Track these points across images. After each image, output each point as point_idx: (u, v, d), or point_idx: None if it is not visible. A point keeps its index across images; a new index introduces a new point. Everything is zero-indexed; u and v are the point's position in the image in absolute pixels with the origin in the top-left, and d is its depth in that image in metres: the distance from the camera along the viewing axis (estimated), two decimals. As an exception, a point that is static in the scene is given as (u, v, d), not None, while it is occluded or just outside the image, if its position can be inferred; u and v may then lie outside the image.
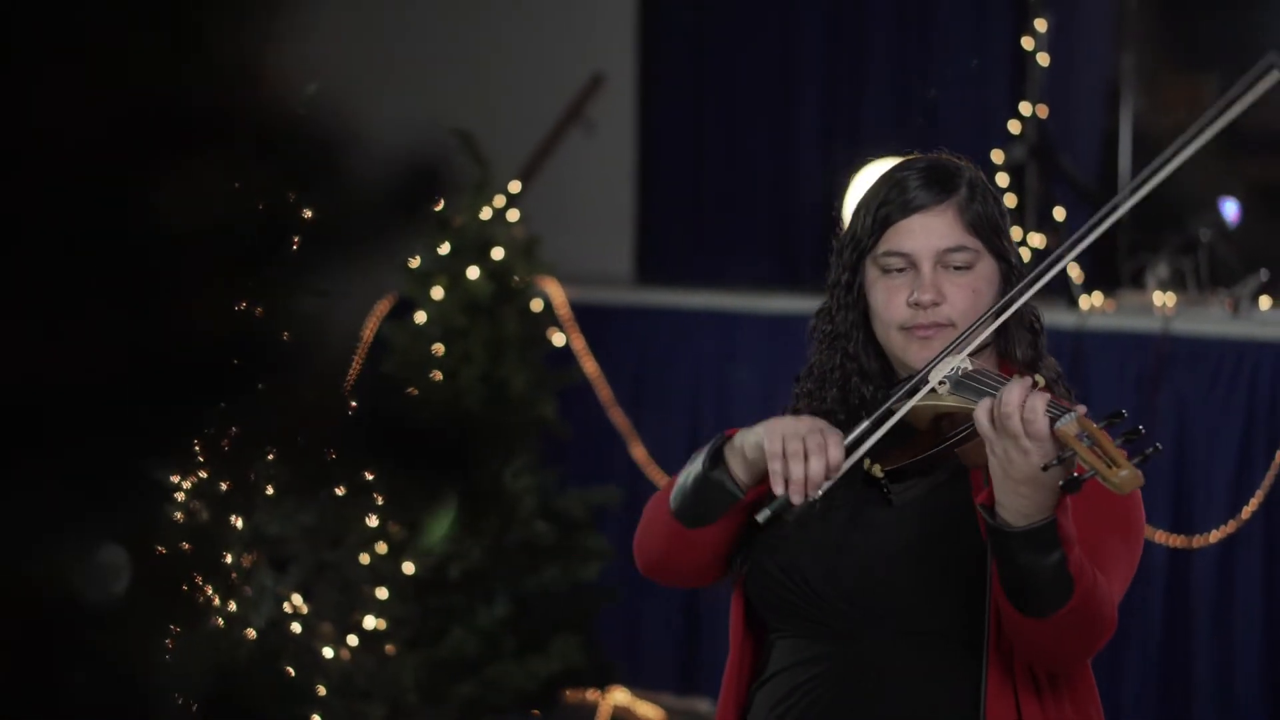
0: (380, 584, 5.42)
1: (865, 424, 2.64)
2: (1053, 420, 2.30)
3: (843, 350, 2.80)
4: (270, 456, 1.17)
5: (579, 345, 7.41)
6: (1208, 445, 5.96)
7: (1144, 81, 7.49)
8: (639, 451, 7.28)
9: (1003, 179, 6.99)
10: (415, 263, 6.58)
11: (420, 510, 1.20)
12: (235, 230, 1.11)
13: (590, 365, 7.40)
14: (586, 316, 7.56)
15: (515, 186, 6.85)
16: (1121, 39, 7.44)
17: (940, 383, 2.53)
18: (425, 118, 7.72)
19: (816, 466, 2.53)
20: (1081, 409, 2.33)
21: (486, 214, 6.58)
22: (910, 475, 2.59)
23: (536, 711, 6.47)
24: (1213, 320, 6.22)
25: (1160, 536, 5.93)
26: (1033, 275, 2.70)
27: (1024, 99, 7.03)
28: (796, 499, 2.55)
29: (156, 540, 1.14)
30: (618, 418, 7.36)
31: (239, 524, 5.04)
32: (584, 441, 7.43)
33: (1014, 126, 7.04)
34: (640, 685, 7.16)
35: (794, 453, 2.54)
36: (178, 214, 1.06)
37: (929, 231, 2.69)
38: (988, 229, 2.72)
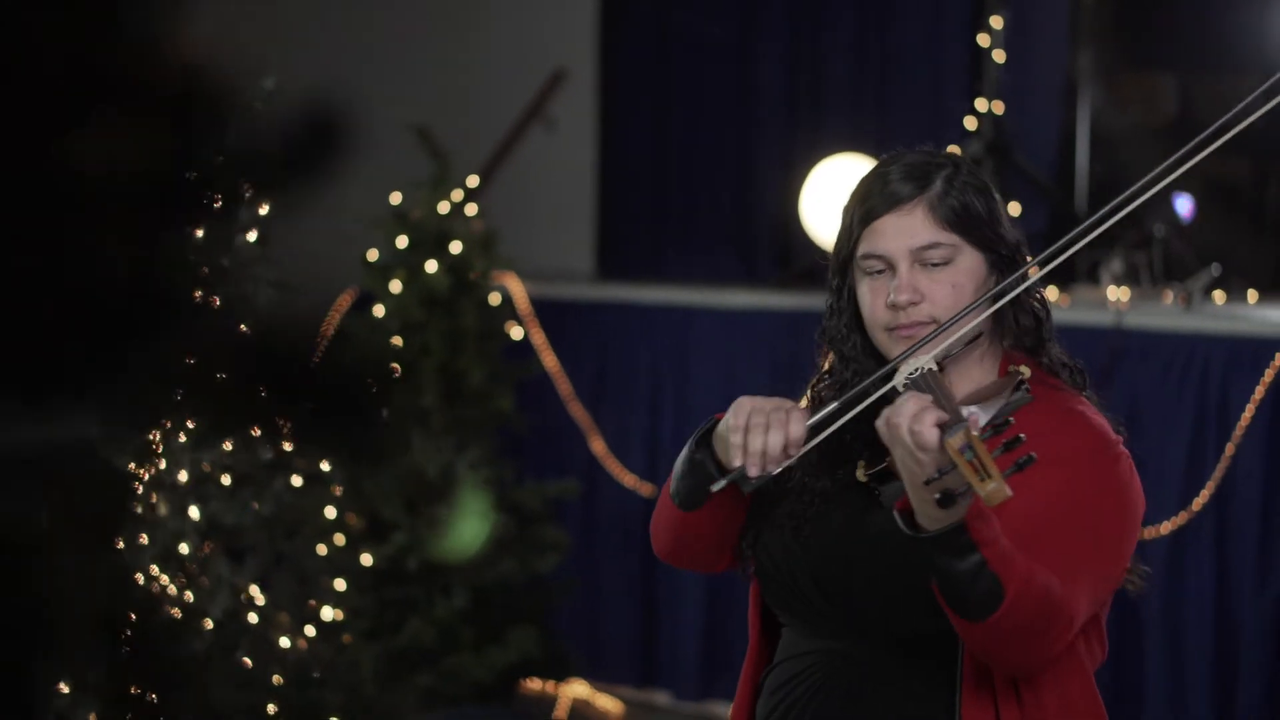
0: (338, 575, 5.43)
1: (830, 408, 2.66)
2: (944, 431, 2.28)
3: (840, 353, 2.81)
4: (180, 399, 1.20)
5: (539, 340, 7.44)
6: (1159, 438, 6.00)
7: (1101, 78, 7.53)
8: (598, 445, 7.31)
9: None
10: (374, 256, 6.62)
11: (324, 451, 1.24)
12: (143, 180, 1.14)
13: (550, 360, 7.43)
14: (547, 311, 7.59)
15: (473, 181, 6.87)
16: (1078, 36, 7.49)
17: (904, 383, 2.53)
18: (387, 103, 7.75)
19: (775, 440, 2.54)
20: (976, 419, 2.31)
21: (445, 208, 6.61)
22: (896, 476, 2.59)
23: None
24: (1165, 314, 6.26)
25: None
26: (1018, 275, 2.68)
27: (980, 95, 7.06)
28: (753, 470, 2.56)
29: (71, 476, 1.17)
30: (577, 412, 7.39)
31: (194, 513, 5.07)
32: (543, 435, 7.45)
33: (970, 123, 7.07)
34: (599, 678, 7.18)
35: (755, 425, 2.55)
36: (89, 165, 1.10)
37: (901, 230, 2.66)
38: (967, 222, 2.66)
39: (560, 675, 6.88)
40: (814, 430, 2.64)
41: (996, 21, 7.02)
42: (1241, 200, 7.63)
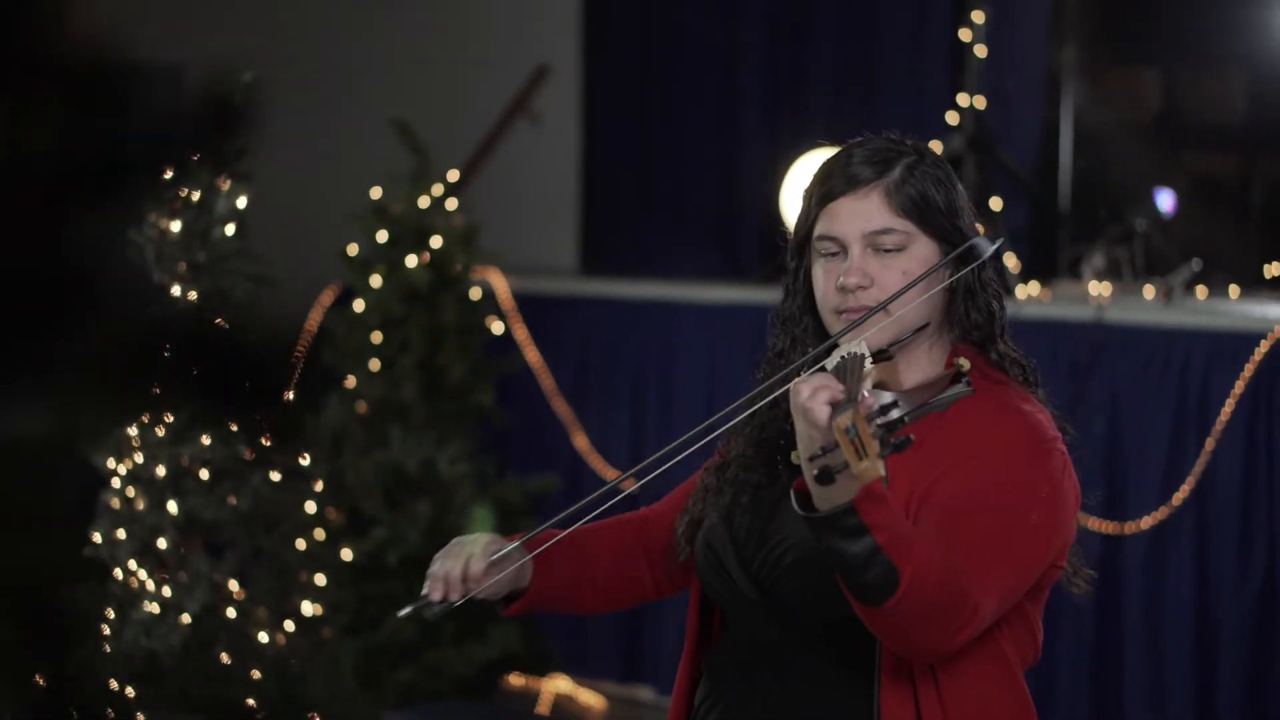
0: (318, 570, 5.43)
1: (760, 388, 2.68)
2: (835, 410, 2.28)
3: (792, 334, 2.82)
4: (86, 383, 1.20)
5: (522, 335, 7.44)
6: (1139, 433, 6.00)
7: (1084, 74, 7.54)
8: (581, 441, 7.30)
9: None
10: (354, 250, 6.62)
11: (226, 427, 1.24)
12: (41, 160, 1.14)
13: (533, 355, 7.42)
14: (530, 306, 7.59)
15: (454, 175, 6.87)
16: (1061, 32, 7.49)
17: (833, 366, 2.55)
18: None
19: (455, 568, 2.69)
20: (868, 402, 2.32)
21: (425, 203, 6.61)
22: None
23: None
24: (1146, 309, 6.26)
25: (1093, 523, 5.97)
26: (931, 269, 2.69)
27: (962, 90, 7.06)
28: (435, 595, 2.72)
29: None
30: (560, 407, 7.39)
31: (173, 508, 5.07)
32: (526, 431, 7.45)
33: (952, 118, 7.07)
34: (582, 673, 7.19)
35: (441, 555, 2.74)
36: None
37: (856, 214, 2.67)
38: (923, 210, 2.67)
39: (542, 671, 6.88)
40: (746, 405, 2.68)
41: (978, 16, 7.01)
42: (1224, 195, 7.63)
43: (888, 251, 2.68)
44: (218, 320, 1.26)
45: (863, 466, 2.20)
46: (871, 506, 2.34)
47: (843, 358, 2.55)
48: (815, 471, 2.29)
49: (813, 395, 2.33)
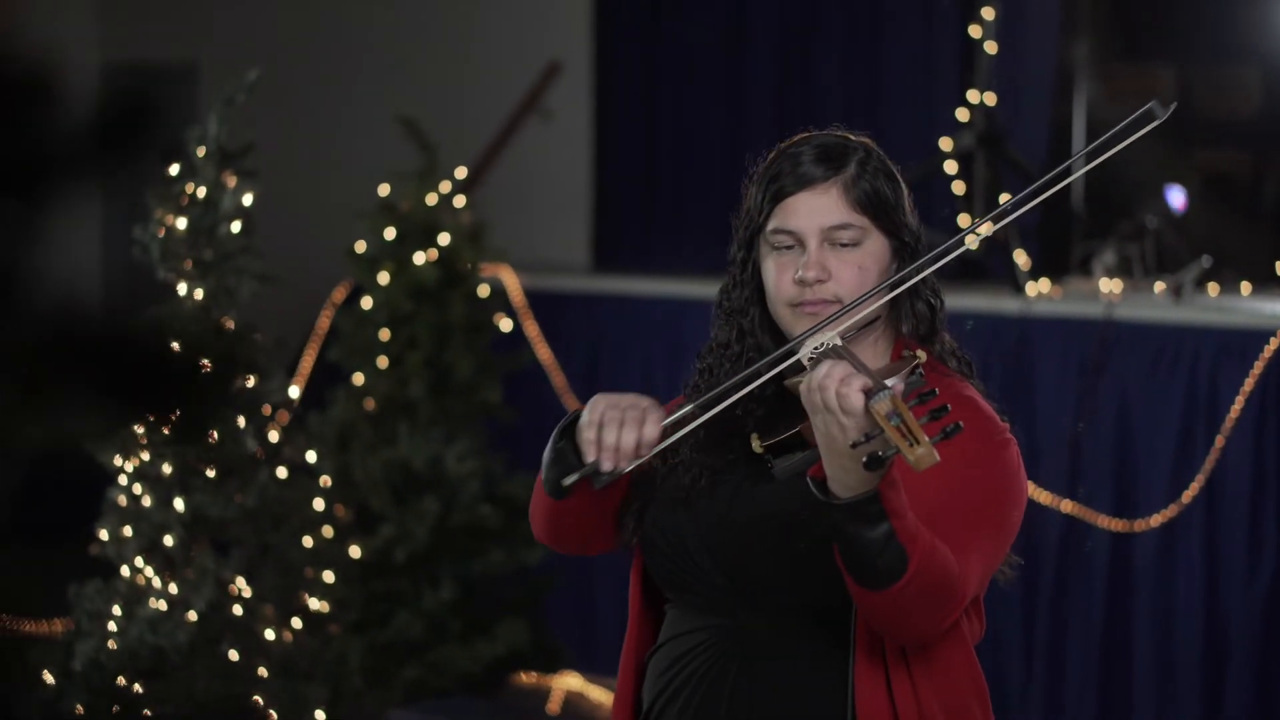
0: (326, 567, 5.43)
1: (732, 381, 2.68)
2: (868, 397, 2.31)
3: (739, 326, 2.83)
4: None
5: (533, 332, 7.45)
6: (1149, 430, 6.00)
7: (1097, 70, 7.52)
8: (592, 437, 7.29)
9: (951, 166, 7.03)
10: (361, 248, 6.63)
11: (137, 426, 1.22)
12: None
13: (544, 352, 7.43)
14: (541, 303, 7.59)
15: (461, 172, 6.87)
16: (1072, 28, 7.48)
17: (810, 356, 2.57)
18: (398, 111, 7.75)
19: (629, 437, 2.58)
20: (900, 388, 2.34)
21: (433, 200, 6.61)
22: (793, 448, 2.61)
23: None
24: (1156, 306, 6.25)
25: (1103, 521, 5.97)
26: (923, 261, 2.72)
27: (972, 87, 7.05)
28: (606, 465, 2.60)
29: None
30: (571, 404, 7.39)
31: (179, 505, 5.07)
32: (537, 428, 7.45)
33: (962, 114, 7.07)
34: (593, 670, 7.19)
35: (609, 421, 2.59)
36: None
37: (814, 209, 2.71)
38: (876, 206, 2.73)
39: (550, 668, 6.88)
40: (708, 405, 2.68)
41: (988, 13, 7.01)
42: (1236, 192, 7.62)
43: (844, 246, 2.72)
44: (128, 319, 1.24)
45: (919, 453, 2.24)
46: (892, 494, 2.39)
47: (822, 349, 2.56)
48: (863, 459, 2.31)
49: (845, 382, 2.35)
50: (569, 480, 2.62)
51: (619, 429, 2.57)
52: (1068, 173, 2.86)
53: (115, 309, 1.14)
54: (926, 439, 2.24)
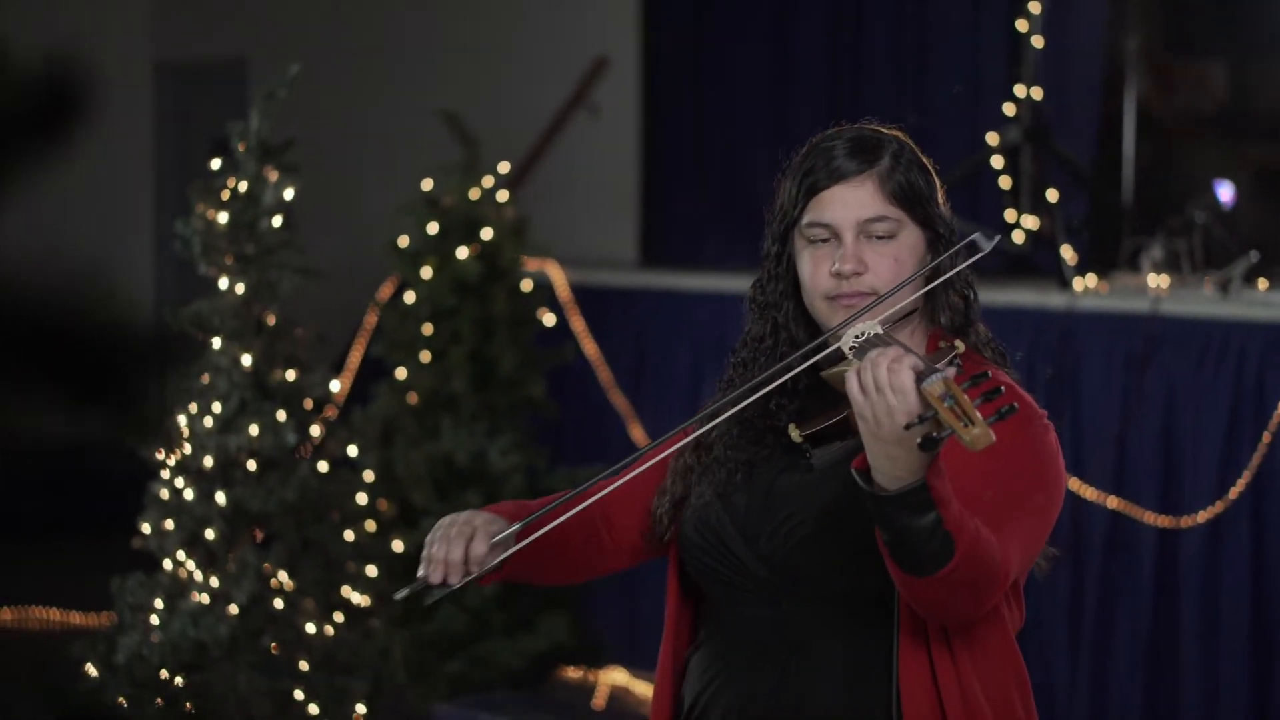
0: (369, 561, 5.44)
1: (769, 373, 2.68)
2: (920, 379, 2.32)
3: (773, 320, 2.83)
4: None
5: (579, 327, 7.45)
6: (1195, 426, 5.96)
7: (1147, 64, 7.48)
8: (638, 432, 7.30)
9: (997, 161, 7.00)
10: (404, 242, 6.64)
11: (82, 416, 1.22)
12: None
13: (591, 347, 7.43)
14: (588, 298, 7.60)
15: (504, 167, 6.88)
16: (1122, 21, 7.44)
17: (852, 345, 2.56)
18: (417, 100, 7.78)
19: (455, 552, 2.66)
20: (951, 371, 2.35)
21: (476, 194, 6.62)
22: (831, 439, 2.61)
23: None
24: (1202, 301, 6.21)
25: (1149, 517, 5.94)
26: (951, 251, 2.72)
27: (1019, 82, 7.02)
28: (435, 578, 2.70)
29: None
30: (617, 399, 7.39)
31: (221, 499, 5.09)
32: (583, 422, 7.47)
33: (1009, 109, 7.03)
34: (638, 665, 7.18)
35: (439, 538, 2.70)
36: None
37: (850, 202, 2.71)
38: (911, 198, 2.73)
39: (595, 662, 6.89)
40: (742, 398, 2.68)
41: (1035, 7, 6.97)
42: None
43: (879, 239, 2.73)
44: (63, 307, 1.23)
45: (975, 433, 2.24)
46: (938, 482, 2.39)
47: (863, 339, 2.56)
48: (919, 440, 2.31)
49: (896, 362, 2.36)
50: (400, 595, 2.76)
51: (447, 545, 2.68)
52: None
53: (54, 294, 1.13)
54: (981, 419, 2.24)
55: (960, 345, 2.64)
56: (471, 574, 2.68)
